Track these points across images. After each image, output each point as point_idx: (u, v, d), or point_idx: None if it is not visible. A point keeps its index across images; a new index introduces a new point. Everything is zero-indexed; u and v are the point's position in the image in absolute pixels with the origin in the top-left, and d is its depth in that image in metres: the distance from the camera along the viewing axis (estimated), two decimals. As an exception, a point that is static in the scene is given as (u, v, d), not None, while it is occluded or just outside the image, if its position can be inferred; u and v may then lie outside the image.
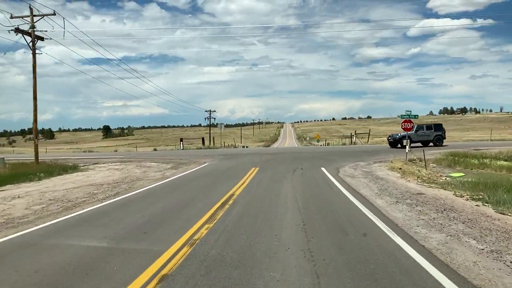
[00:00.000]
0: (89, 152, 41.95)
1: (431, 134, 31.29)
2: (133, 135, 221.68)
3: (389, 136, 31.33)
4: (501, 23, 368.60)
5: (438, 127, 32.29)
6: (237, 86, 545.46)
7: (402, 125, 21.74)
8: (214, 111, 71.45)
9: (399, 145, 29.44)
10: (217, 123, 64.54)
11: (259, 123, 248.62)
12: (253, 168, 19.09)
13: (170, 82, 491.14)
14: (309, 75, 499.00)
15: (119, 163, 24.34)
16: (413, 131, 29.09)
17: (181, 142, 43.20)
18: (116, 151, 45.16)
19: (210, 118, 72.94)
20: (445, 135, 32.67)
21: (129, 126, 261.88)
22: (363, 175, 15.95)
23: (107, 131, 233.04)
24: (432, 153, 24.66)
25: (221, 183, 14.40)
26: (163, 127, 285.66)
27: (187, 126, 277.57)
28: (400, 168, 17.56)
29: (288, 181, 14.53)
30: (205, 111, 71.78)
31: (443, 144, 31.64)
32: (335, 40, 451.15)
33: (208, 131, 66.04)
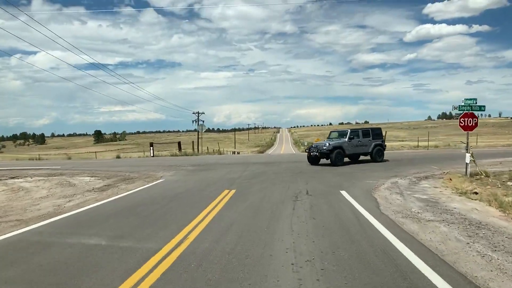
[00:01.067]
0: (37, 160, 34.27)
1: (369, 144, 20.53)
2: (126, 140, 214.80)
3: (311, 147, 21.07)
4: (497, 30, 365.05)
5: (376, 132, 21.33)
6: (234, 91, 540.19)
7: (460, 122, 14.34)
8: (203, 113, 63.20)
9: (325, 160, 19.65)
10: (201, 125, 57.23)
11: (255, 128, 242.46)
12: (226, 192, 11.46)
13: (167, 87, 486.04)
14: (305, 80, 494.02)
15: (42, 177, 16.95)
16: (346, 139, 20.02)
17: (151, 148, 34.75)
18: (70, 158, 36.85)
19: (198, 121, 62.55)
20: (385, 145, 21.65)
21: (123, 131, 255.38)
22: (429, 210, 8.34)
23: (98, 136, 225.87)
24: (489, 163, 17.29)
25: (131, 239, 6.62)
26: (158, 132, 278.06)
27: (183, 131, 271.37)
28: (475, 192, 10.23)
29: (286, 234, 6.64)
30: (193, 113, 62.81)
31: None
32: (331, 46, 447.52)
33: (197, 136, 59.59)
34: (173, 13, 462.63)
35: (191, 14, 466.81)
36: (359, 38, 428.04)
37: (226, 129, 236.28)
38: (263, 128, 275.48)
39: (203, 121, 60.74)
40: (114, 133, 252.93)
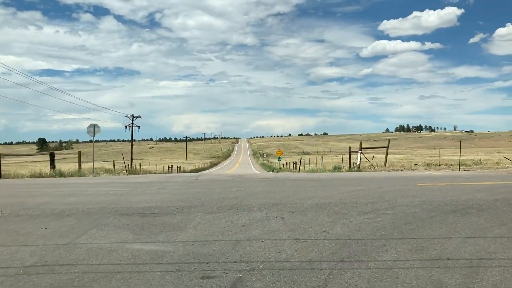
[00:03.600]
0: None
1: None
2: (72, 148, 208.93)
3: None
4: (448, 47, 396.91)
5: None
6: (194, 101, 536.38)
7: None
8: (139, 116, 54.52)
9: None
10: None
11: (214, 138, 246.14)
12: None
13: (125, 95, 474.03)
14: (265, 92, 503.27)
15: None
16: None
17: (51, 160, 34.09)
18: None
19: (132, 127, 53.92)
20: None
21: (69, 140, 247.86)
22: None
23: (42, 145, 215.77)
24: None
25: None
26: (113, 141, 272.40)
27: (139, 140, 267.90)
28: None
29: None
30: (126, 116, 53.08)
31: None
32: (291, 59, 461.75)
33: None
34: (134, 21, 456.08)
35: (152, 23, 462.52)
36: (318, 52, 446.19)
37: (184, 138, 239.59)
38: (222, 138, 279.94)
39: (139, 126, 52.66)
40: (60, 142, 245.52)
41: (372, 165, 19.83)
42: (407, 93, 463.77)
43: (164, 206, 7.87)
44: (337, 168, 19.71)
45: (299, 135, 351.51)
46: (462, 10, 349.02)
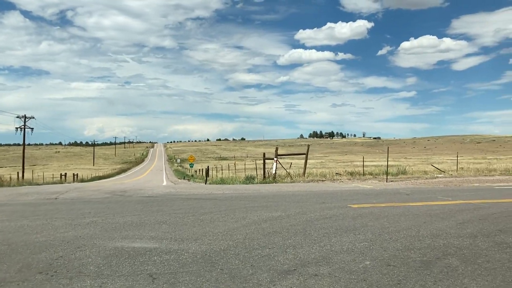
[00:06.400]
0: None
1: None
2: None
3: None
4: (358, 58, 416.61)
5: None
6: (108, 103, 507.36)
7: None
8: (32, 117, 48.32)
9: None
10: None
11: (129, 142, 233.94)
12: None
13: (32, 96, 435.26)
14: (184, 96, 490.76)
15: None
16: None
17: None
18: None
19: (24, 128, 47.20)
20: None
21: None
22: None
23: None
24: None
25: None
26: (17, 145, 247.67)
27: (46, 144, 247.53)
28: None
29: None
30: (17, 117, 47.05)
31: None
32: (210, 64, 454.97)
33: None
34: (43, 18, 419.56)
35: (64, 21, 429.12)
36: (237, 58, 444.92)
37: (98, 142, 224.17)
38: (136, 142, 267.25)
39: (32, 128, 47.89)
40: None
41: (289, 174, 17.02)
42: (321, 101, 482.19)
43: None
44: (249, 179, 16.61)
45: (217, 140, 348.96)
46: (372, 24, 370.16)
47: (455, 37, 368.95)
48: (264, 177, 16.85)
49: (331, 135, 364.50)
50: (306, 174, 17.10)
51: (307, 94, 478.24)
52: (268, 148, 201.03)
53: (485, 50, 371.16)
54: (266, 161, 17.63)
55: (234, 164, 47.94)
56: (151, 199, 9.85)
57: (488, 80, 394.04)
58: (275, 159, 16.52)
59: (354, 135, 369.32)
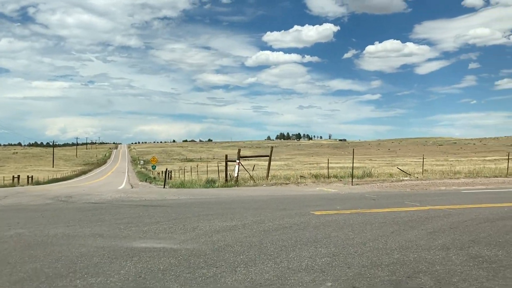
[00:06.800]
0: None
1: None
2: None
3: None
4: (325, 61, 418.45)
5: None
6: (71, 103, 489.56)
7: None
8: None
9: None
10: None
11: (92, 143, 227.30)
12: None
13: None
14: (150, 96, 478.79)
15: None
16: None
17: None
18: None
19: None
20: None
21: None
22: None
23: None
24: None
25: None
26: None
27: (5, 145, 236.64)
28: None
29: None
30: None
31: None
32: (177, 64, 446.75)
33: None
34: (2, 14, 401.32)
35: (25, 18, 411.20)
36: (205, 59, 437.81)
37: (60, 143, 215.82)
38: (100, 143, 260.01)
39: None
40: None
41: (252, 177, 16.32)
42: (288, 102, 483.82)
43: None
44: (210, 182, 15.80)
45: (183, 141, 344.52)
46: (338, 27, 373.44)
47: (418, 42, 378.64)
48: (226, 180, 16.10)
49: (298, 136, 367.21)
50: (269, 177, 16.46)
51: (275, 96, 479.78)
52: (235, 149, 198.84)
53: (446, 55, 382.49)
54: (229, 163, 16.89)
55: (197, 166, 46.88)
56: (95, 206, 8.92)
57: (449, 84, 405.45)
58: (237, 161, 15.78)
59: (321, 137, 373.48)
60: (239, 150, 16.31)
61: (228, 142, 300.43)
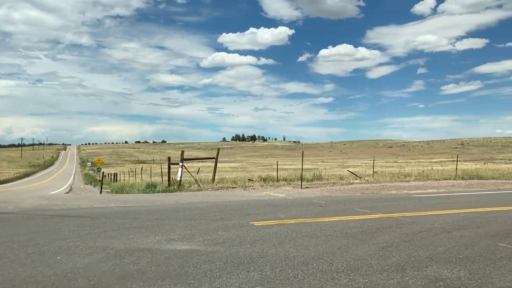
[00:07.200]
0: None
1: None
2: None
3: None
4: (280, 64, 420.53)
5: None
6: (17, 102, 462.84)
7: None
8: None
9: None
10: None
11: (39, 144, 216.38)
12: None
13: None
14: (101, 96, 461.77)
15: None
16: None
17: None
18: None
19: None
20: None
21: None
22: None
23: None
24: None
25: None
26: None
27: None
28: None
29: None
30: None
31: None
32: (130, 63, 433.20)
33: None
34: None
35: None
36: (159, 59, 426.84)
37: (4, 144, 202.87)
38: (47, 144, 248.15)
39: None
40: None
41: (196, 181, 15.24)
42: (244, 104, 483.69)
43: None
44: (150, 187, 14.57)
45: (136, 142, 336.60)
46: (293, 31, 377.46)
47: (370, 46, 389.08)
48: (169, 184, 14.94)
49: (253, 138, 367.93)
50: (216, 181, 15.45)
51: (230, 98, 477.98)
52: (189, 151, 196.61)
53: (396, 60, 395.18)
54: (172, 166, 15.76)
55: (141, 169, 45.09)
56: (2, 217, 7.60)
57: (398, 88, 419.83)
58: (180, 164, 14.65)
59: (275, 139, 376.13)
60: (182, 152, 15.18)
61: (183, 143, 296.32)
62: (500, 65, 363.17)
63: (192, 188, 14.00)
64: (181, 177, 14.45)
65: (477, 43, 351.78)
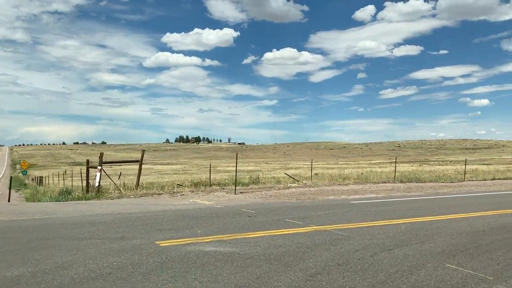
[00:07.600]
0: None
1: None
2: None
3: None
4: (225, 66, 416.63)
5: None
6: None
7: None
8: None
9: None
10: None
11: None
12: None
13: None
14: (38, 95, 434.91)
15: None
16: None
17: None
18: None
19: None
20: None
21: None
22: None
23: None
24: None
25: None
26: None
27: None
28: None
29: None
30: None
31: None
32: (69, 62, 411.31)
33: None
34: None
35: None
36: (99, 57, 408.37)
37: None
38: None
39: None
40: None
41: (118, 187, 13.68)
42: (188, 105, 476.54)
43: None
44: (64, 194, 12.83)
45: (74, 143, 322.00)
46: (238, 33, 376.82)
47: (313, 51, 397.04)
48: (87, 191, 13.28)
49: (197, 140, 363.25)
50: (140, 187, 13.96)
51: (175, 98, 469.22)
52: (130, 152, 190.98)
53: (337, 64, 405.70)
54: (92, 169, 14.11)
55: (64, 172, 42.18)
56: None
57: (339, 92, 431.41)
58: (99, 167, 13.05)
59: (220, 140, 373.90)
60: (101, 154, 13.57)
61: (124, 144, 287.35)
62: (434, 71, 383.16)
63: (112, 195, 12.45)
64: (99, 183, 12.85)
65: (413, 50, 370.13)
